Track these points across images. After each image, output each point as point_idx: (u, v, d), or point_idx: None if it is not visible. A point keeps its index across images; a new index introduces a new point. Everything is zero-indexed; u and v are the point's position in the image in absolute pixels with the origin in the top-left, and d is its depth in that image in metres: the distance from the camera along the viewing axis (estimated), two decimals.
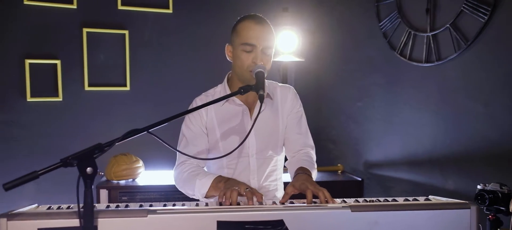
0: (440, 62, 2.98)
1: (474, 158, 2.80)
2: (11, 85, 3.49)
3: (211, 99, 2.09)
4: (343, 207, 1.55)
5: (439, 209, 1.57)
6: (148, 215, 1.45)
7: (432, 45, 3.01)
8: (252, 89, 1.82)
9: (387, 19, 3.37)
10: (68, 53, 3.60)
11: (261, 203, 1.71)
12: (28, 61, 3.48)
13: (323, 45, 4.05)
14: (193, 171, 2.04)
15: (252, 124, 1.79)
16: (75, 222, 1.40)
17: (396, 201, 1.71)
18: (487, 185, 2.18)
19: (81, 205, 1.38)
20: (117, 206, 1.62)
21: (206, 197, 1.96)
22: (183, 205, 1.65)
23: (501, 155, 2.64)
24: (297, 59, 3.67)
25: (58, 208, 1.58)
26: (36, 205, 1.63)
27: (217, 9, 3.92)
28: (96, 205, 1.60)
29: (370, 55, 3.61)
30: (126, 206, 1.62)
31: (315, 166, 2.11)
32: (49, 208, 1.59)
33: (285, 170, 2.20)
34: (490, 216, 2.18)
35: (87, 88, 3.64)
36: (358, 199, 1.75)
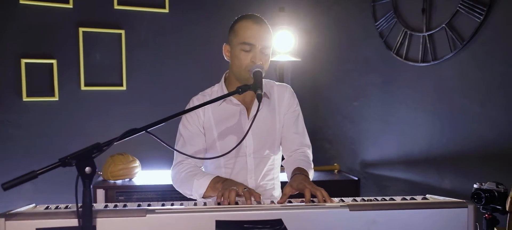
0: (436, 62, 2.99)
1: (470, 157, 2.81)
2: (7, 85, 3.48)
3: (208, 99, 2.10)
4: (341, 206, 1.56)
5: (436, 208, 1.58)
6: (147, 215, 1.45)
7: (428, 45, 3.03)
8: (250, 88, 1.82)
9: (383, 19, 3.38)
10: (64, 52, 3.59)
11: (259, 203, 1.71)
12: (24, 60, 3.47)
13: (319, 45, 4.05)
14: (191, 171, 2.04)
15: (250, 124, 1.79)
16: (74, 222, 1.40)
17: (393, 200, 1.72)
18: (483, 184, 2.19)
19: (79, 204, 1.38)
20: (115, 206, 1.62)
21: (203, 197, 1.96)
22: (181, 204, 1.66)
23: (497, 154, 2.65)
24: (293, 59, 3.67)
25: (56, 208, 1.59)
26: (33, 205, 1.63)
27: (213, 9, 3.92)
28: (94, 204, 1.60)
29: (366, 55, 3.62)
30: (125, 205, 1.62)
31: (312, 165, 2.12)
32: (47, 208, 1.59)
33: (282, 169, 2.21)
34: (486, 215, 2.19)
35: (83, 88, 3.63)
36: (356, 198, 1.75)
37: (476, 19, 2.71)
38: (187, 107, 2.13)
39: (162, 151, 3.48)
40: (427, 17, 3.04)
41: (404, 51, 3.21)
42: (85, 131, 3.63)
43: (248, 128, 1.79)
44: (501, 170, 2.61)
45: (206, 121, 2.11)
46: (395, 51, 3.27)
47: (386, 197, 1.76)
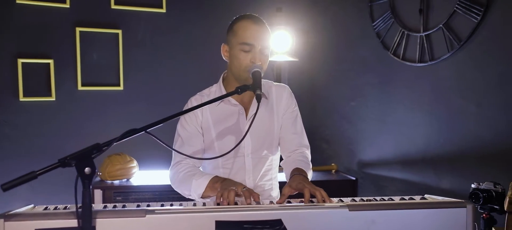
0: (433, 62, 3.00)
1: (467, 157, 2.83)
2: (3, 85, 3.47)
3: (206, 99, 2.10)
4: (340, 206, 1.56)
5: (435, 208, 1.58)
6: (146, 215, 1.44)
7: (425, 45, 3.03)
8: (249, 89, 1.82)
9: (380, 19, 3.38)
10: (61, 52, 3.58)
11: (258, 203, 1.71)
12: (20, 60, 3.46)
13: (316, 45, 4.06)
14: (189, 171, 2.03)
15: (249, 124, 1.79)
16: (73, 223, 1.40)
17: (392, 200, 1.72)
18: (481, 184, 2.20)
19: (78, 205, 1.38)
20: (115, 206, 1.62)
21: (202, 197, 1.96)
22: (180, 205, 1.65)
23: (494, 154, 2.66)
24: (291, 59, 3.68)
25: (55, 208, 1.58)
26: (32, 205, 1.63)
27: (210, 9, 3.92)
28: (93, 205, 1.59)
29: (363, 55, 3.62)
30: (124, 206, 1.61)
31: (311, 166, 2.12)
32: (45, 208, 1.59)
33: (281, 169, 2.21)
34: (484, 215, 2.20)
35: (80, 88, 3.62)
36: (355, 198, 1.76)
37: (473, 19, 2.72)
38: (185, 107, 2.13)
39: (160, 151, 3.49)
40: (424, 17, 3.05)
41: (401, 52, 3.22)
42: (82, 131, 3.62)
43: (247, 128, 1.79)
44: (498, 170, 2.63)
45: (204, 121, 2.11)
46: (392, 52, 3.28)
47: (385, 197, 1.76)
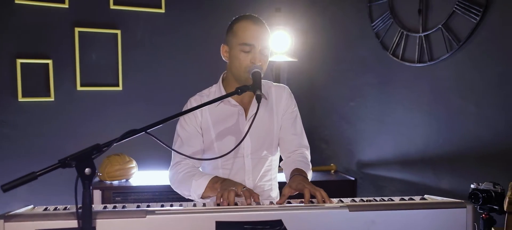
0: (432, 63, 3.01)
1: (466, 157, 2.83)
2: (2, 85, 3.46)
3: (206, 99, 2.10)
4: (340, 206, 1.56)
5: (435, 209, 1.59)
6: (147, 216, 1.44)
7: (424, 45, 3.04)
8: (249, 89, 1.82)
9: (379, 19, 3.39)
10: (60, 53, 3.58)
11: (258, 204, 1.71)
12: (19, 61, 3.45)
13: (315, 45, 4.06)
14: (189, 171, 2.03)
15: (249, 125, 1.79)
16: (73, 223, 1.39)
17: (392, 200, 1.72)
18: (480, 184, 2.20)
19: (79, 205, 1.37)
20: (115, 207, 1.61)
21: (202, 197, 1.96)
22: (180, 205, 1.65)
23: (493, 154, 2.67)
24: (290, 59, 3.68)
25: (55, 209, 1.58)
26: (32, 206, 1.62)
27: (209, 9, 3.92)
28: (93, 205, 1.59)
29: (362, 55, 3.63)
30: (124, 207, 1.61)
31: (310, 166, 2.11)
32: (45, 209, 1.58)
33: (280, 170, 2.21)
34: (483, 215, 2.20)
35: (79, 88, 3.62)
36: (355, 198, 1.76)
37: (472, 19, 2.72)
38: (185, 108, 2.13)
39: (159, 151, 3.49)
40: (423, 17, 3.05)
41: (401, 52, 3.22)
42: (81, 131, 3.62)
43: (247, 129, 1.79)
44: (497, 170, 2.63)
45: (204, 122, 2.11)
46: (391, 52, 3.29)
47: (384, 198, 1.77)
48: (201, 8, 3.91)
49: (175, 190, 2.08)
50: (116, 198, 3.11)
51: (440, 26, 2.92)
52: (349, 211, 1.54)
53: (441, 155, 2.99)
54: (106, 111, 3.70)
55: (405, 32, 3.18)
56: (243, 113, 2.10)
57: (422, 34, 3.05)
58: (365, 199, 1.74)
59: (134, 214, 1.45)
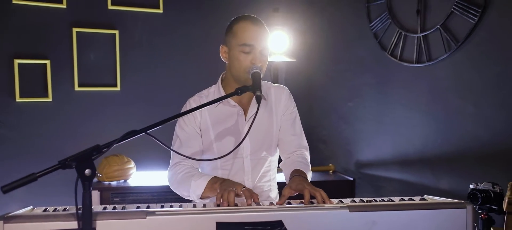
0: (430, 63, 3.01)
1: (465, 157, 2.83)
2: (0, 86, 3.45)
3: (205, 100, 2.09)
4: (341, 207, 1.56)
5: (435, 209, 1.59)
6: (147, 217, 1.44)
7: (423, 45, 3.04)
8: (249, 90, 1.82)
9: (377, 19, 3.39)
10: (58, 53, 3.57)
11: (258, 204, 1.71)
12: (17, 61, 3.44)
13: (314, 45, 4.06)
14: (188, 172, 2.03)
15: (249, 126, 1.78)
16: (73, 224, 1.39)
17: (392, 201, 1.72)
18: (479, 184, 2.21)
19: (78, 206, 1.37)
20: (114, 208, 1.61)
21: (201, 198, 1.95)
22: (180, 206, 1.65)
23: (492, 154, 2.67)
24: (288, 59, 3.68)
25: (54, 210, 1.57)
26: (31, 207, 1.62)
27: (207, 9, 3.92)
28: (93, 206, 1.58)
29: (361, 56, 3.63)
30: (123, 207, 1.61)
31: (310, 167, 2.11)
32: (45, 210, 1.58)
33: (279, 170, 2.21)
34: (482, 215, 2.20)
35: (77, 88, 3.61)
36: (355, 199, 1.76)
37: (471, 20, 2.73)
38: (184, 108, 2.12)
39: (157, 152, 3.49)
40: (421, 18, 3.06)
41: (399, 52, 3.22)
42: (79, 131, 3.61)
43: (247, 130, 1.78)
44: (496, 170, 2.64)
45: (203, 122, 2.10)
46: (389, 52, 3.29)
47: (384, 198, 1.77)
48: (199, 8, 3.90)
49: (174, 190, 2.08)
50: (115, 199, 3.10)
51: (438, 26, 2.92)
52: (350, 211, 1.54)
53: (439, 155, 2.99)
54: (104, 112, 3.70)
55: (403, 33, 3.18)
56: (243, 114, 2.09)
57: (421, 35, 3.05)
58: (365, 199, 1.74)
59: (134, 215, 1.45)
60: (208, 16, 3.90)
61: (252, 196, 1.72)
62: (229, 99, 2.07)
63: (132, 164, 3.36)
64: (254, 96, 1.86)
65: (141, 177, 3.45)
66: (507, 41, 2.59)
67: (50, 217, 1.42)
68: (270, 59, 3.55)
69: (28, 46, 3.50)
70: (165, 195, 3.13)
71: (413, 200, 1.74)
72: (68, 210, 1.55)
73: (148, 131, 1.54)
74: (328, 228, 1.53)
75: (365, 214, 1.55)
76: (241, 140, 1.88)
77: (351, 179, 3.47)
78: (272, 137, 2.15)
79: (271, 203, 1.75)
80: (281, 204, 1.72)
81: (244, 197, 1.73)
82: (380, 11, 3.38)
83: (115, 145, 1.45)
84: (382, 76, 3.43)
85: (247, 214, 1.51)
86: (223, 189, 1.75)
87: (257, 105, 1.80)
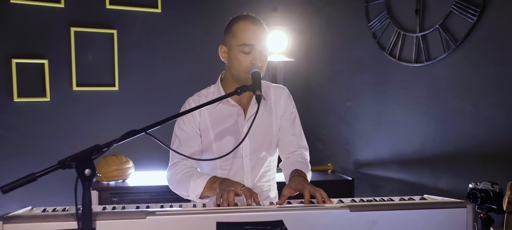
0: (429, 63, 3.01)
1: (464, 157, 2.84)
2: None
3: (204, 100, 2.09)
4: (341, 207, 1.56)
5: (436, 208, 1.59)
6: (147, 217, 1.43)
7: (422, 45, 3.04)
8: (249, 89, 1.81)
9: (376, 19, 3.39)
10: (56, 52, 3.55)
11: (258, 204, 1.71)
12: (14, 60, 3.42)
13: (312, 45, 4.06)
14: (187, 172, 2.02)
15: (249, 125, 1.78)
16: (73, 225, 1.38)
17: (392, 200, 1.72)
18: (478, 183, 2.21)
19: (78, 207, 1.36)
20: (114, 208, 1.60)
21: (200, 197, 1.95)
22: (180, 206, 1.64)
23: (491, 154, 2.67)
24: (286, 59, 3.68)
25: (54, 210, 1.56)
26: (30, 207, 1.61)
27: (206, 9, 3.91)
28: (92, 206, 1.57)
29: (359, 56, 3.63)
30: (123, 207, 1.60)
31: (310, 167, 2.11)
32: (44, 210, 1.57)
33: (278, 170, 2.20)
34: (481, 215, 2.21)
35: (75, 88, 3.59)
36: (355, 198, 1.76)
37: (470, 20, 2.73)
38: (183, 108, 2.11)
39: (156, 151, 3.49)
40: (420, 18, 3.06)
41: (398, 52, 3.22)
42: (77, 131, 3.60)
43: (246, 129, 1.78)
44: (495, 169, 2.64)
45: (202, 122, 2.10)
46: (388, 52, 3.29)
47: (384, 198, 1.76)
48: (198, 8, 3.90)
49: (173, 190, 2.08)
50: (113, 199, 3.09)
51: (437, 26, 2.93)
52: (350, 211, 1.54)
53: (438, 154, 3.00)
54: (102, 111, 3.69)
55: (402, 32, 3.18)
56: (242, 114, 2.09)
57: (419, 34, 3.05)
58: (365, 199, 1.73)
59: (134, 215, 1.44)
60: (207, 15, 3.89)
61: (252, 195, 1.72)
62: (228, 99, 2.07)
63: (131, 164, 3.35)
64: (254, 96, 1.86)
65: (139, 177, 3.45)
66: (506, 41, 2.59)
67: (49, 217, 1.41)
68: (268, 59, 3.56)
69: (26, 45, 3.48)
70: (164, 195, 3.12)
71: (413, 199, 1.74)
72: (67, 210, 1.54)
73: (148, 131, 1.53)
74: (329, 227, 1.52)
75: (366, 213, 1.54)
76: (240, 139, 1.87)
77: (350, 178, 3.47)
78: (272, 137, 2.15)
79: (271, 203, 1.75)
80: (281, 204, 1.72)
81: (244, 197, 1.73)
82: (379, 11, 3.38)
83: (115, 145, 1.44)
84: (380, 76, 3.43)
85: (247, 214, 1.50)
86: (223, 189, 1.75)
87: (257, 105, 1.80)
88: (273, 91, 2.18)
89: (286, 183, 1.91)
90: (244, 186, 1.76)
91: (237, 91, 1.79)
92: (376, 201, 1.71)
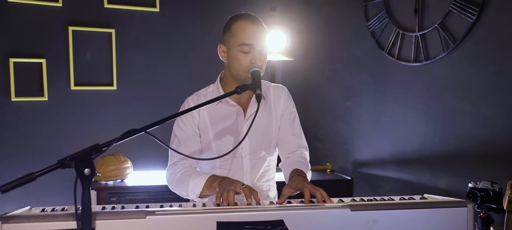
0: (428, 62, 3.01)
1: (463, 156, 2.83)
2: None
3: (203, 99, 2.07)
4: (342, 206, 1.55)
5: (436, 208, 1.58)
6: (147, 217, 1.42)
7: (421, 45, 3.04)
8: (249, 88, 1.81)
9: (375, 18, 3.39)
10: (54, 52, 3.54)
11: (259, 203, 1.70)
12: (12, 60, 3.41)
13: (311, 44, 4.06)
14: (186, 171, 2.01)
15: (250, 125, 1.77)
16: (72, 225, 1.37)
17: (393, 199, 1.71)
18: (478, 183, 2.21)
19: (78, 206, 1.35)
20: (113, 208, 1.59)
21: (200, 197, 1.94)
22: (180, 206, 1.63)
23: (490, 153, 2.67)
24: (285, 58, 3.67)
25: (53, 210, 1.55)
26: (28, 207, 1.60)
27: (204, 8, 3.90)
28: (92, 206, 1.57)
29: (358, 55, 3.63)
30: (122, 207, 1.59)
31: (309, 167, 2.11)
32: (43, 210, 1.56)
33: (278, 170, 2.20)
34: (481, 214, 2.20)
35: (73, 87, 3.58)
36: (355, 198, 1.75)
37: (469, 19, 2.73)
38: (182, 107, 2.10)
39: (154, 151, 3.48)
40: (419, 17, 3.05)
41: (396, 51, 3.22)
42: (75, 131, 3.58)
43: (246, 129, 1.77)
44: (494, 169, 2.64)
45: (202, 122, 2.09)
46: (387, 51, 3.29)
47: (385, 197, 1.76)
48: (196, 7, 3.89)
49: (172, 190, 2.06)
50: (112, 199, 3.08)
51: (436, 25, 2.92)
52: (351, 210, 1.53)
53: (437, 154, 2.99)
54: (100, 111, 3.68)
55: (401, 32, 3.18)
56: (242, 113, 2.08)
57: (418, 34, 3.05)
58: (365, 198, 1.73)
59: (134, 215, 1.43)
60: (205, 15, 3.88)
61: (251, 194, 1.71)
62: (228, 98, 2.06)
63: (129, 164, 3.34)
64: (254, 95, 1.85)
65: (138, 176, 3.44)
66: (505, 40, 2.59)
67: (48, 217, 1.40)
68: (267, 58, 3.55)
69: (23, 45, 3.47)
70: (162, 195, 3.12)
71: (414, 199, 1.73)
72: (66, 210, 1.53)
73: (147, 130, 1.52)
74: (330, 227, 1.52)
75: (366, 213, 1.54)
76: (240, 139, 1.86)
77: (349, 178, 3.47)
78: (271, 137, 2.14)
79: (271, 203, 1.74)
80: (281, 203, 1.71)
81: (244, 195, 1.72)
82: (378, 10, 3.37)
83: (114, 144, 1.44)
84: (379, 75, 3.43)
85: (247, 213, 1.49)
86: (222, 188, 1.74)
87: (256, 104, 1.79)
88: (273, 91, 2.18)
89: (286, 183, 1.90)
90: (243, 184, 1.76)
91: (237, 90, 1.78)
92: (376, 200, 1.70)
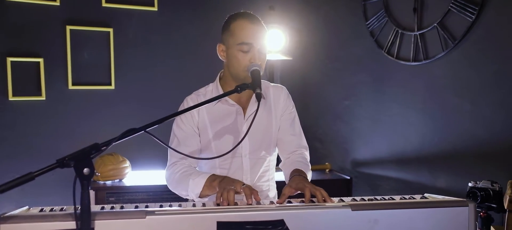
0: (427, 61, 3.01)
1: (462, 156, 2.83)
2: None
3: (202, 98, 2.07)
4: (343, 206, 1.55)
5: (437, 207, 1.58)
6: (147, 216, 1.41)
7: (420, 44, 3.04)
8: (249, 87, 1.80)
9: (374, 18, 3.38)
10: (51, 51, 3.53)
11: (259, 201, 1.69)
12: (10, 59, 3.39)
13: (309, 44, 4.05)
14: (186, 171, 2.00)
15: (249, 124, 1.76)
16: (71, 225, 1.36)
17: (393, 199, 1.71)
18: (478, 182, 2.20)
19: (77, 206, 1.34)
20: (112, 208, 1.58)
21: (200, 196, 1.93)
22: (179, 205, 1.62)
23: (489, 152, 2.67)
24: (284, 57, 3.66)
25: (51, 210, 1.54)
26: (26, 207, 1.58)
27: (202, 7, 3.89)
28: (91, 206, 1.55)
29: (357, 54, 3.62)
30: (122, 207, 1.58)
31: (310, 167, 2.10)
32: (41, 210, 1.54)
33: (278, 170, 2.19)
34: (481, 213, 2.20)
35: (71, 87, 3.57)
36: (355, 198, 1.74)
37: (468, 18, 2.72)
38: (181, 107, 2.09)
39: (152, 151, 3.47)
40: (418, 16, 3.05)
41: (396, 50, 3.22)
42: (73, 130, 3.57)
43: (246, 128, 1.77)
44: (493, 168, 2.63)
45: (201, 121, 2.08)
46: (386, 50, 3.28)
47: (385, 197, 1.75)
48: (194, 6, 3.88)
49: (172, 190, 2.05)
50: (110, 198, 3.07)
51: (435, 24, 2.92)
52: (352, 210, 1.52)
53: (436, 153, 2.99)
54: (98, 110, 3.66)
55: (400, 31, 3.17)
56: (242, 113, 2.07)
57: (417, 33, 3.05)
58: (366, 198, 1.72)
59: (134, 215, 1.42)
60: (203, 14, 3.87)
61: (252, 193, 1.70)
62: (227, 98, 2.05)
63: (128, 163, 3.33)
64: (254, 94, 1.84)
65: (136, 176, 3.42)
66: (505, 39, 2.59)
67: (47, 217, 1.39)
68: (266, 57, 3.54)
69: (20, 44, 3.45)
70: (161, 194, 3.10)
71: (414, 198, 1.72)
72: (65, 210, 1.52)
73: (147, 130, 1.51)
74: (330, 226, 1.51)
75: (367, 212, 1.53)
76: (239, 139, 1.85)
77: (348, 178, 3.46)
78: (271, 137, 2.13)
79: (272, 202, 1.74)
80: (281, 203, 1.70)
81: (244, 195, 1.71)
82: (377, 9, 3.37)
83: (114, 143, 1.42)
84: (378, 74, 3.42)
85: (247, 213, 1.48)
86: (222, 188, 1.73)
87: (256, 103, 1.78)
88: (272, 91, 2.17)
89: (286, 183, 1.89)
90: (244, 183, 1.75)
91: (237, 89, 1.78)
92: (377, 200, 1.70)
